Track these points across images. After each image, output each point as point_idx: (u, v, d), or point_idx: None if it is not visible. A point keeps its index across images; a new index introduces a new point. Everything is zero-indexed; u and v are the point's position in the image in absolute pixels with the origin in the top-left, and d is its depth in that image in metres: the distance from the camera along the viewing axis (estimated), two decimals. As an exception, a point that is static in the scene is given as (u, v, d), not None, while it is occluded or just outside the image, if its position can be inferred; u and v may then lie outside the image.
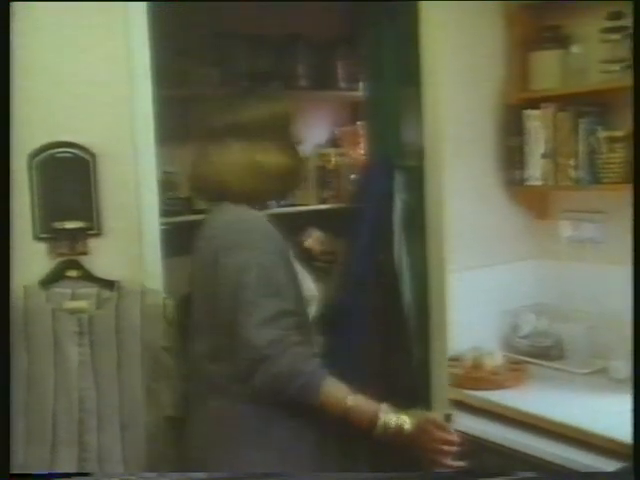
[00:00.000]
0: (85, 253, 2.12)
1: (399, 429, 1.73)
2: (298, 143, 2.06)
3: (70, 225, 2.10)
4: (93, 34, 2.12)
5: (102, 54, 2.14)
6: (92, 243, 2.13)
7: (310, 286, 2.00)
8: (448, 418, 2.13)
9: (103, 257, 2.14)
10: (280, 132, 1.98)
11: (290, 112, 2.03)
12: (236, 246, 1.81)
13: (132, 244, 2.19)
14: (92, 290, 2.07)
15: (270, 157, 1.94)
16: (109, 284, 2.09)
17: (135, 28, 2.15)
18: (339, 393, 1.75)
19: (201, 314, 1.93)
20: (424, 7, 2.58)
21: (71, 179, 2.10)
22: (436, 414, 1.98)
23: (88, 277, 2.09)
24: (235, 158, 1.93)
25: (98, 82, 2.12)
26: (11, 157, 1.98)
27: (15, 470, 1.86)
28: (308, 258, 2.28)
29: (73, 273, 2.08)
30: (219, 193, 1.95)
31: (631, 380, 1.52)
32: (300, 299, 1.89)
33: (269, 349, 1.71)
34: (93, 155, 2.11)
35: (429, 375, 2.62)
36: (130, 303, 2.09)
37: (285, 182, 2.02)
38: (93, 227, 2.13)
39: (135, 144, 2.18)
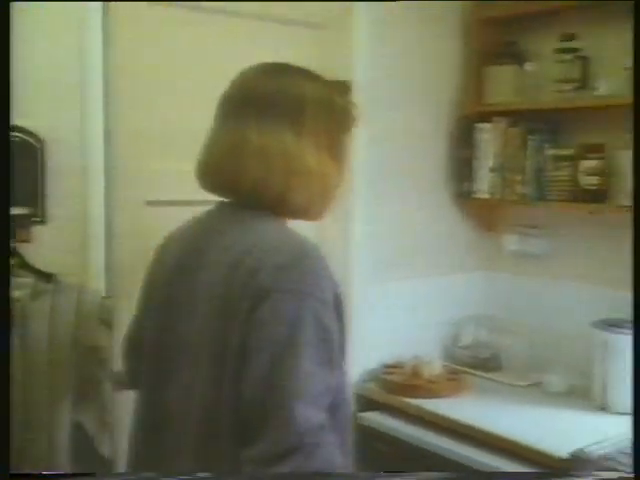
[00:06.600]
0: (27, 241, 2.07)
1: None
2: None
3: (14, 211, 2.06)
4: (48, 20, 2.09)
5: (55, 39, 2.11)
6: (36, 231, 2.09)
7: None
8: None
9: (45, 246, 2.09)
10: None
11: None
12: (292, 291, 1.32)
13: (76, 234, 2.15)
14: (28, 280, 1.97)
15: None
16: (46, 276, 2.00)
17: (90, 19, 2.13)
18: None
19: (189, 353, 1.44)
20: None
21: (18, 164, 2.06)
22: None
23: (24, 266, 1.99)
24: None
25: (49, 67, 2.10)
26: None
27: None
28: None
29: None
30: (255, 198, 1.44)
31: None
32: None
33: (311, 437, 1.29)
34: (41, 141, 2.08)
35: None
36: (66, 299, 2.00)
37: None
38: (37, 214, 2.09)
39: (84, 132, 2.15)
